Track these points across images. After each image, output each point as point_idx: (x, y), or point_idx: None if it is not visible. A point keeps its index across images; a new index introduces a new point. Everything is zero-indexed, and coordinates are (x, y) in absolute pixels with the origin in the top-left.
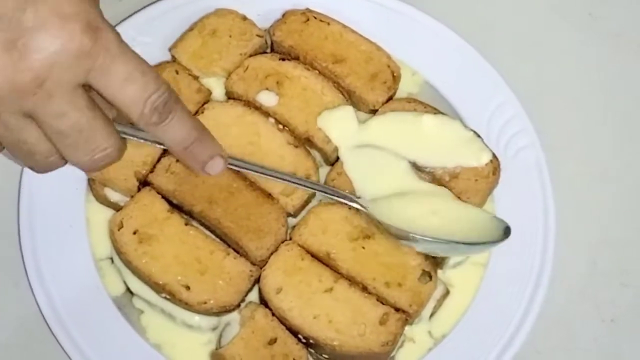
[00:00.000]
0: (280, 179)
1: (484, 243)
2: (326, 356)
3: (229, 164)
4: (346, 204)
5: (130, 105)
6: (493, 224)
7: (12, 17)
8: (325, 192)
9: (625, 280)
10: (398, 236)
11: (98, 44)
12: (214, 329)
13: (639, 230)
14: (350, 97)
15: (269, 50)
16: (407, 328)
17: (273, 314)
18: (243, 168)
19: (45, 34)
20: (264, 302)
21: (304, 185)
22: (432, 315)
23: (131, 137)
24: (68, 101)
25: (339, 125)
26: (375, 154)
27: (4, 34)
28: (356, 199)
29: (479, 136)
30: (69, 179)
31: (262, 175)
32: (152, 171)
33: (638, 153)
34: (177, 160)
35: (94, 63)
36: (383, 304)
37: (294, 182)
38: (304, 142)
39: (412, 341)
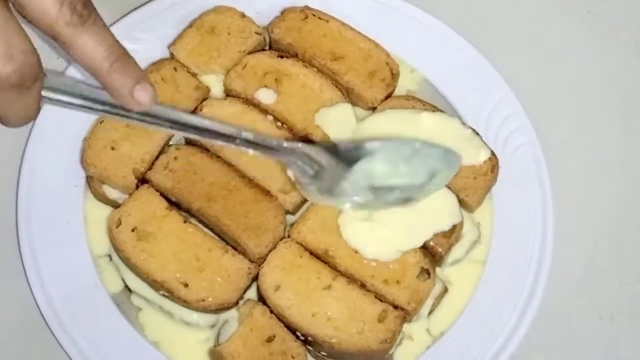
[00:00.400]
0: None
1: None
2: (324, 354)
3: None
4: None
5: (47, 3)
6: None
7: None
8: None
9: (624, 277)
10: (350, 158)
11: None
12: (213, 326)
13: (637, 227)
14: (349, 95)
15: (267, 47)
16: (405, 325)
17: (271, 312)
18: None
19: None
20: (262, 299)
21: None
22: (430, 312)
23: (59, 100)
24: None
25: (337, 123)
26: None
27: None
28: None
29: (477, 133)
30: (68, 176)
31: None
32: (150, 168)
33: (636, 150)
34: (176, 158)
35: None
36: (381, 301)
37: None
38: (302, 139)
39: (410, 339)
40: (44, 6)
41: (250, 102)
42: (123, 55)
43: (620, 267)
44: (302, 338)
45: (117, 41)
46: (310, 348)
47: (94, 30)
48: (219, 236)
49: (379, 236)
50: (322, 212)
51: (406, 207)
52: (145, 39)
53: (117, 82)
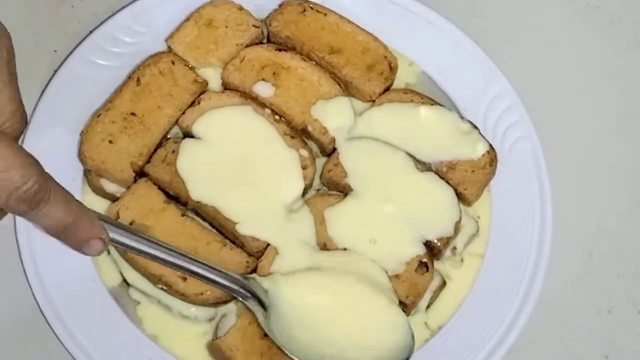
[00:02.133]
0: (170, 260)
1: None
2: None
3: (114, 240)
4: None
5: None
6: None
7: None
8: (215, 279)
9: (621, 271)
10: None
11: None
12: (211, 320)
13: (635, 221)
14: (347, 88)
15: (265, 40)
16: None
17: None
18: (127, 247)
19: None
20: None
21: (190, 266)
22: (428, 306)
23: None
24: None
25: (335, 116)
26: (372, 145)
27: None
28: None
29: (475, 127)
30: (65, 170)
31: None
32: (148, 162)
33: (635, 144)
34: (174, 151)
35: None
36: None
37: (180, 263)
38: (301, 133)
39: None
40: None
41: (248, 96)
42: (75, 220)
43: (618, 260)
44: None
45: (72, 206)
46: None
47: (47, 210)
48: (217, 230)
49: (379, 257)
50: (320, 206)
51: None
52: (143, 32)
53: (65, 243)
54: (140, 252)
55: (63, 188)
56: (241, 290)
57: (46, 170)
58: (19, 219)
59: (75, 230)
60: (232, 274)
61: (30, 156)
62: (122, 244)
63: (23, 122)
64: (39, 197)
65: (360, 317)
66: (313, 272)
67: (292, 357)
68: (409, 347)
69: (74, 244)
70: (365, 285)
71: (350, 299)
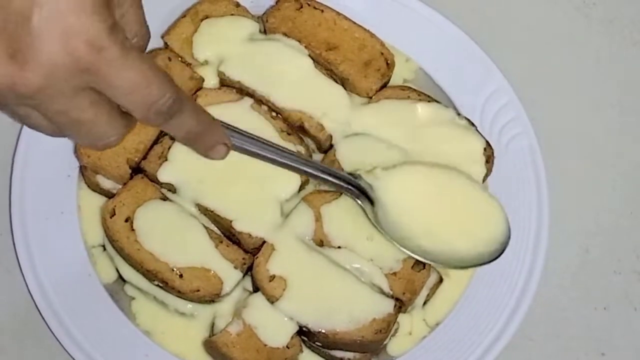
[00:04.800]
0: (286, 162)
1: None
2: (319, 344)
3: (237, 146)
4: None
5: (134, 110)
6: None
7: (17, 22)
8: (327, 178)
9: (618, 268)
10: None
11: (99, 60)
12: (207, 316)
13: (632, 218)
14: (344, 84)
15: None
16: (400, 316)
17: None
18: (248, 152)
19: (47, 46)
20: (257, 289)
21: (305, 167)
22: (425, 303)
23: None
24: (68, 101)
25: (332, 113)
26: (369, 142)
27: (8, 41)
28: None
29: (472, 124)
30: (61, 166)
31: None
32: (144, 158)
33: (632, 141)
34: (170, 148)
35: (95, 77)
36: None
37: (296, 165)
38: (297, 129)
39: (405, 329)
40: (132, 112)
41: (245, 92)
42: (204, 129)
43: (614, 257)
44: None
45: (203, 117)
46: (305, 338)
47: (179, 120)
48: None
49: (376, 254)
50: (317, 203)
51: None
52: None
53: (193, 148)
54: (260, 156)
55: (194, 100)
56: (350, 187)
57: (42, 165)
58: (14, 212)
59: (204, 138)
60: (342, 173)
61: (164, 71)
62: (243, 149)
63: (149, 35)
64: (174, 109)
65: (458, 203)
66: (411, 164)
67: (402, 249)
68: (505, 238)
69: (201, 150)
70: (459, 173)
71: (448, 184)
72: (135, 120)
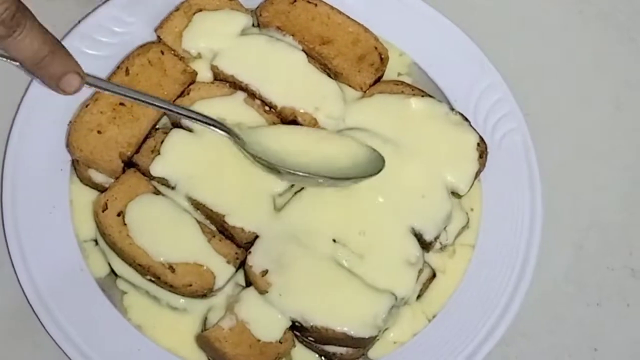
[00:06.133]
0: (146, 102)
1: (352, 178)
2: (312, 338)
3: (90, 83)
4: (215, 131)
5: None
6: (369, 158)
7: None
8: (190, 117)
9: (611, 264)
10: (267, 168)
11: None
12: (199, 311)
13: (626, 214)
14: (338, 79)
15: None
16: (392, 311)
17: None
18: (104, 89)
19: None
20: (249, 284)
21: (169, 109)
22: (418, 298)
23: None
24: None
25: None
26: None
27: None
28: (226, 127)
29: (466, 119)
30: (53, 160)
31: (125, 97)
32: (137, 152)
33: (626, 136)
34: (163, 142)
35: None
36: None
37: (159, 106)
38: (290, 124)
39: (397, 324)
40: None
41: (238, 86)
42: (52, 50)
43: (608, 253)
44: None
45: (49, 37)
46: (297, 333)
47: (25, 36)
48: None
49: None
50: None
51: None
52: (132, 22)
53: (43, 77)
54: (117, 93)
55: (39, 22)
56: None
57: (34, 159)
58: (5, 207)
59: (51, 62)
60: (211, 117)
61: None
62: (98, 86)
63: None
64: (15, 21)
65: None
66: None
67: (281, 168)
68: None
69: (50, 79)
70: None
71: (313, 131)
72: None
